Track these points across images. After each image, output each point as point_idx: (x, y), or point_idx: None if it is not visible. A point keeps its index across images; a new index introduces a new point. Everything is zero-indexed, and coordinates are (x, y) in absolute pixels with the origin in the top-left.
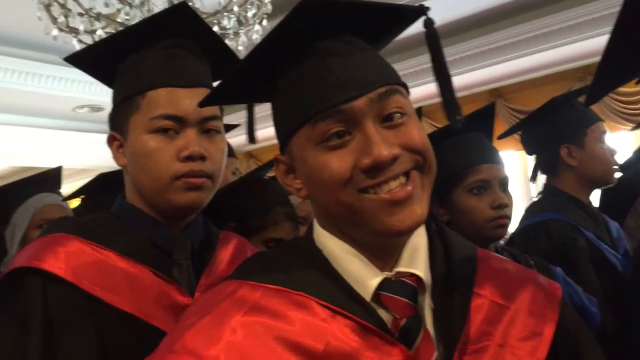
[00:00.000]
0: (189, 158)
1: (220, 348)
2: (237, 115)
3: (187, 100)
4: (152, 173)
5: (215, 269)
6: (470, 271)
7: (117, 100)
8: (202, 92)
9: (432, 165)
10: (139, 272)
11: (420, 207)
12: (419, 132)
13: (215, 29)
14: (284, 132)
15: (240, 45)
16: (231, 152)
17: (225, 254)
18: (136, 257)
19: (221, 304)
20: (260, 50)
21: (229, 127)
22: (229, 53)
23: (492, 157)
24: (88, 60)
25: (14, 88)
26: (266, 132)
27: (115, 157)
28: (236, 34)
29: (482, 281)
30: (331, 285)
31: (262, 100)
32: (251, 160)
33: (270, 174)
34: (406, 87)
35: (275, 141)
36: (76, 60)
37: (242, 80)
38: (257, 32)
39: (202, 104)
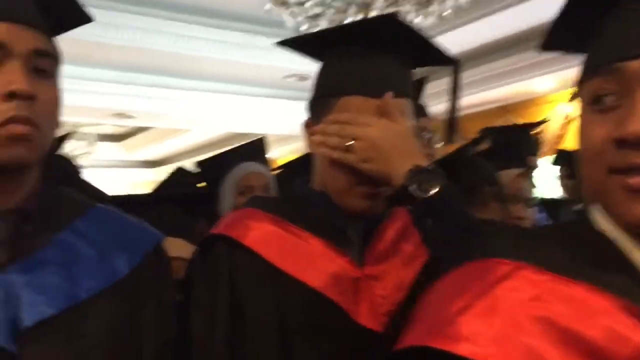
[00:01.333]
0: None
1: (503, 343)
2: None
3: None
4: None
5: (381, 244)
6: None
7: (315, 93)
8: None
9: None
10: (316, 245)
11: None
12: None
13: None
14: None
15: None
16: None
17: (393, 228)
18: (314, 231)
19: (494, 288)
20: None
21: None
22: (444, 56)
23: None
24: (297, 46)
25: (229, 59)
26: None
27: (306, 143)
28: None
29: None
30: (631, 284)
31: (577, 47)
32: (507, 116)
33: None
34: None
35: (535, 96)
36: (286, 44)
37: (566, 23)
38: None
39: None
